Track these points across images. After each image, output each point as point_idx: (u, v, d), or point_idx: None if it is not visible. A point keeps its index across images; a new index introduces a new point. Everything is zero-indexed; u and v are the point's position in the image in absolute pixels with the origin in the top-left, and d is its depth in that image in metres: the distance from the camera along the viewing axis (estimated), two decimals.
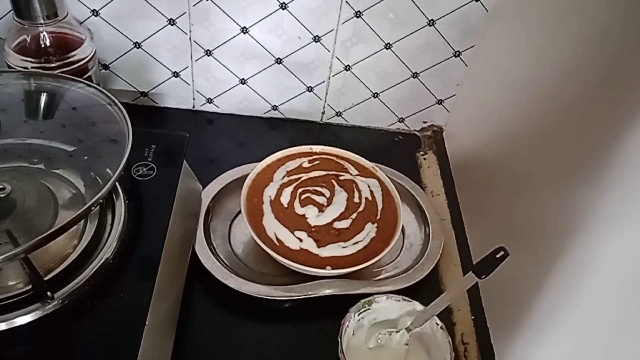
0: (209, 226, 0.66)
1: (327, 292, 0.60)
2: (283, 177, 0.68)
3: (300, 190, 0.66)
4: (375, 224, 0.64)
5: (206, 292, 0.61)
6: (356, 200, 0.67)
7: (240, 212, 0.64)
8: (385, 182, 0.69)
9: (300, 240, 0.62)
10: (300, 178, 0.68)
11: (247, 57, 0.79)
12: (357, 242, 0.62)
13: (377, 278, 0.64)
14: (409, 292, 0.58)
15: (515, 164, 0.71)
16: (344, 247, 0.61)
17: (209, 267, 0.60)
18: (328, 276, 0.61)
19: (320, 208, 0.65)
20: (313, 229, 0.63)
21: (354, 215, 0.65)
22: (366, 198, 0.67)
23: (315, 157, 0.72)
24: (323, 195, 0.67)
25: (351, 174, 0.70)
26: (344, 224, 0.64)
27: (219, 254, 0.64)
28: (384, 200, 0.67)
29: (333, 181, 0.69)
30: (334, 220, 0.64)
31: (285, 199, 0.65)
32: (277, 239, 0.61)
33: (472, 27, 0.75)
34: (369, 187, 0.69)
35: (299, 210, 0.64)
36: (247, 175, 0.67)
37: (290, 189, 0.66)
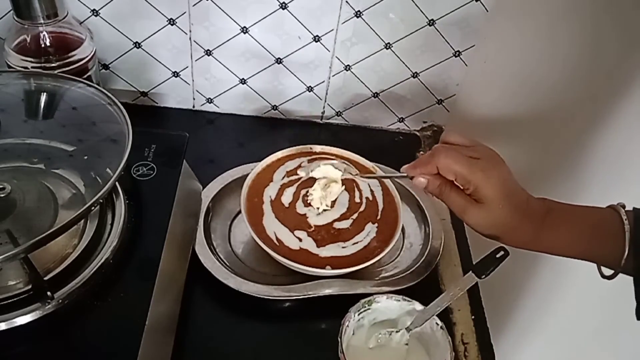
0: (209, 226, 0.66)
1: (327, 292, 0.60)
2: (283, 177, 0.68)
3: (303, 191, 0.66)
4: (376, 224, 0.64)
5: (206, 292, 0.61)
6: (357, 200, 0.67)
7: (240, 212, 0.64)
8: (385, 182, 0.69)
9: (300, 240, 0.62)
10: (300, 178, 0.68)
11: (247, 57, 0.79)
12: (357, 242, 0.62)
13: (377, 278, 0.64)
14: (409, 292, 0.58)
15: (515, 163, 0.71)
16: (343, 247, 0.61)
17: (209, 267, 0.60)
18: (328, 276, 0.61)
19: None
20: (313, 229, 0.63)
21: (354, 216, 0.65)
22: (367, 198, 0.67)
23: (315, 156, 0.72)
24: None
25: (351, 174, 0.70)
26: (345, 224, 0.64)
27: (219, 253, 0.64)
28: (384, 199, 0.67)
29: None
30: (335, 220, 0.64)
31: (287, 199, 0.65)
32: (277, 238, 0.61)
33: (472, 27, 0.75)
34: (370, 186, 0.68)
35: (301, 209, 0.64)
36: (247, 175, 0.67)
37: (292, 189, 0.66)
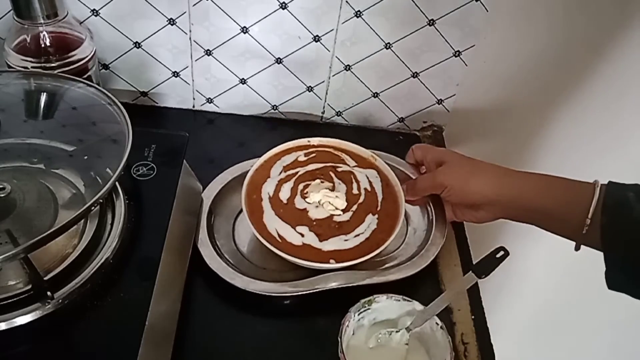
0: (213, 225, 0.66)
1: (334, 284, 0.59)
2: (280, 173, 0.68)
3: (301, 185, 0.66)
4: (376, 215, 0.64)
5: (206, 292, 0.61)
6: (355, 191, 0.66)
7: (242, 210, 0.64)
8: (384, 172, 0.69)
9: (302, 235, 0.61)
10: (297, 173, 0.68)
11: (247, 57, 0.79)
12: (358, 235, 0.62)
13: (382, 267, 0.63)
14: (409, 292, 0.58)
15: (515, 163, 0.71)
16: (345, 240, 0.61)
17: (214, 268, 0.60)
18: (333, 269, 0.60)
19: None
20: (314, 223, 0.63)
21: (354, 208, 0.64)
22: (365, 189, 0.67)
23: (312, 149, 0.71)
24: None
25: (349, 165, 0.70)
26: (345, 217, 0.64)
27: (224, 253, 0.63)
28: (384, 191, 0.67)
29: (331, 173, 0.68)
30: (334, 214, 0.64)
31: (284, 195, 0.65)
32: (279, 235, 0.61)
33: (472, 27, 0.75)
34: (368, 178, 0.68)
35: (300, 204, 0.64)
36: (247, 172, 0.67)
37: (289, 184, 0.66)
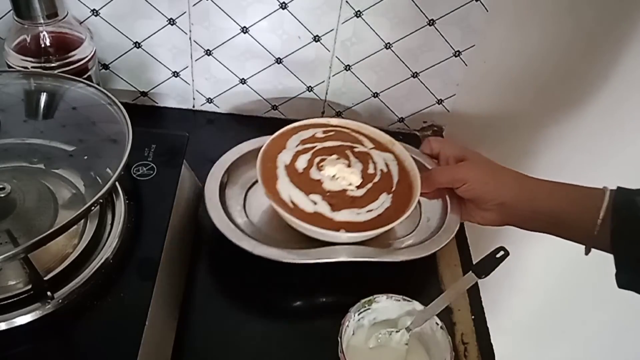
0: (225, 194, 0.65)
1: (342, 258, 0.59)
2: (297, 145, 0.67)
3: (317, 158, 0.65)
4: (391, 195, 0.63)
5: (207, 292, 0.61)
6: (371, 171, 0.65)
7: (255, 182, 0.63)
8: (402, 156, 0.68)
9: (315, 203, 0.61)
10: (315, 147, 0.67)
11: (247, 56, 0.79)
12: (371, 210, 0.61)
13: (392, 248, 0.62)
14: (410, 292, 0.58)
15: (515, 164, 0.71)
16: (358, 214, 0.60)
17: (222, 229, 0.59)
18: (342, 242, 0.60)
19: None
20: (328, 193, 0.62)
21: (369, 185, 0.64)
22: (381, 170, 0.66)
23: (330, 128, 0.70)
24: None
25: (366, 147, 0.69)
26: (359, 192, 0.63)
27: (234, 219, 0.63)
28: (400, 173, 0.66)
29: (348, 152, 0.67)
30: (348, 189, 0.63)
31: (301, 165, 0.64)
32: (292, 201, 0.60)
33: (472, 27, 0.75)
34: (385, 160, 0.67)
35: (315, 175, 0.63)
36: (262, 146, 0.66)
37: (307, 156, 0.65)
